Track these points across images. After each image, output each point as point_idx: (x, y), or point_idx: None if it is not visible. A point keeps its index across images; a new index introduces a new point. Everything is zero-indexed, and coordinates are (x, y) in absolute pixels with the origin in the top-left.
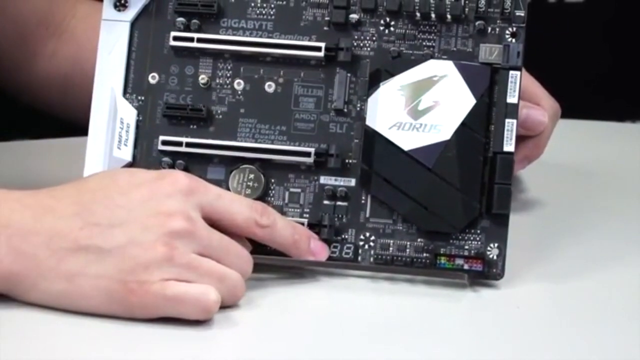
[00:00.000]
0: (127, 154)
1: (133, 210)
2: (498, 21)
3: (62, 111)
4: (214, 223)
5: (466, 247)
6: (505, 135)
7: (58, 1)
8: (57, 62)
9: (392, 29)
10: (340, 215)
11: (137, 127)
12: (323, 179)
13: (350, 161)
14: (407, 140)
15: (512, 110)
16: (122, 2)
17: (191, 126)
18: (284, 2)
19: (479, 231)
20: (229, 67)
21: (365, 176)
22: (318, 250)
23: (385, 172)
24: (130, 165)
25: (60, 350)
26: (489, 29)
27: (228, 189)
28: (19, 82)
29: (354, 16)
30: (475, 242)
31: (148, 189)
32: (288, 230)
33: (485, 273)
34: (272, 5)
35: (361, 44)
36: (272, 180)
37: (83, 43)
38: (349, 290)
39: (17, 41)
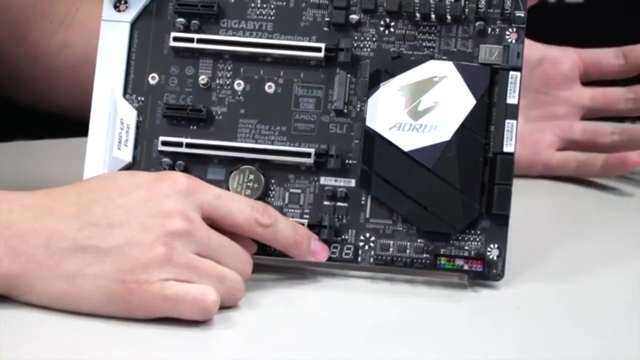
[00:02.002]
0: (127, 155)
1: (132, 210)
2: (498, 22)
3: (72, 104)
4: (214, 223)
5: (466, 247)
6: (505, 135)
7: None
8: (68, 54)
9: (392, 29)
10: (340, 216)
11: (137, 127)
12: (323, 180)
13: (350, 162)
14: (407, 140)
15: (512, 111)
16: (122, 2)
17: (191, 127)
18: (284, 3)
19: (479, 232)
20: (229, 68)
21: (365, 177)
22: (318, 250)
23: (385, 173)
24: (130, 165)
25: (59, 350)
26: (489, 29)
27: (228, 189)
28: (21, 79)
29: (354, 17)
30: (475, 243)
31: (147, 190)
32: (289, 230)
33: (485, 274)
34: (272, 6)
35: (361, 45)
36: (272, 181)
37: (97, 33)
38: (349, 291)
39: (15, 35)
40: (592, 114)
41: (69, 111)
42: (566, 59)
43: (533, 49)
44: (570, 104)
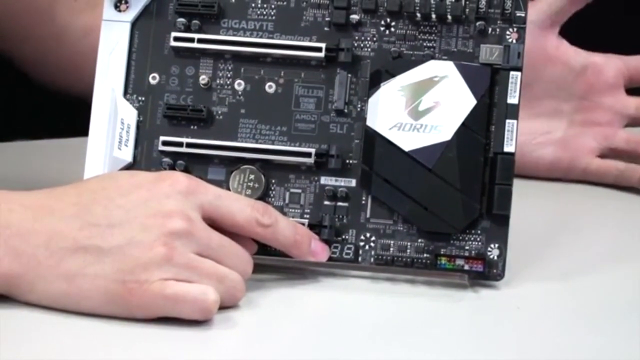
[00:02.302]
0: (127, 155)
1: (132, 210)
2: (498, 22)
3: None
4: (215, 223)
5: (467, 247)
6: (505, 135)
7: None
8: (93, 39)
9: (392, 29)
10: (340, 216)
11: (138, 127)
12: (323, 180)
13: (351, 162)
14: (408, 140)
15: (513, 111)
16: (123, 2)
17: (192, 127)
18: (285, 3)
19: (479, 232)
20: (229, 68)
21: (366, 177)
22: (319, 250)
23: (386, 173)
24: (130, 165)
25: (59, 350)
26: (490, 29)
27: (228, 189)
28: (44, 59)
29: (354, 17)
30: (476, 243)
31: (147, 190)
32: (289, 230)
33: (486, 274)
34: (273, 6)
35: (362, 45)
36: (273, 181)
37: None
38: (349, 291)
39: (40, 15)
40: (636, 123)
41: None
42: (610, 66)
43: (577, 55)
44: (614, 111)
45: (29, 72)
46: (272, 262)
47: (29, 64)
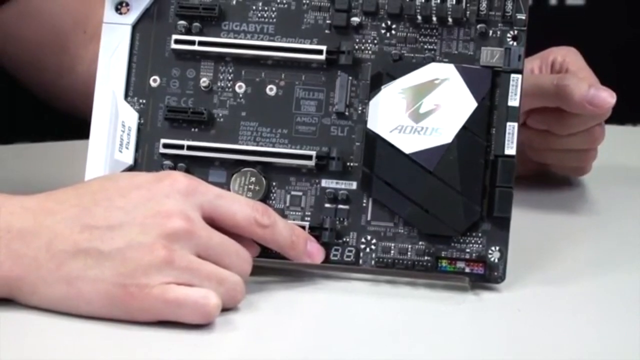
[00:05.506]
0: (128, 157)
1: (131, 211)
2: (499, 24)
3: None
4: (214, 223)
5: (467, 250)
6: (506, 138)
7: (93, 5)
8: None
9: (393, 32)
10: (341, 219)
11: (139, 130)
12: (324, 182)
13: (352, 164)
14: (409, 143)
15: (514, 114)
16: (124, 5)
17: (192, 129)
18: (285, 6)
19: (480, 234)
20: (230, 70)
21: (367, 179)
22: (314, 252)
23: (387, 175)
24: (131, 168)
25: (60, 353)
26: (490, 32)
27: None
28: (57, 87)
29: (355, 19)
30: (477, 245)
31: (147, 190)
32: (287, 231)
33: (487, 276)
34: (274, 9)
35: (362, 47)
36: (274, 184)
37: None
38: (350, 294)
39: (54, 46)
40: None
41: None
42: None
43: None
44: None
45: (43, 99)
46: (272, 265)
47: (42, 91)
